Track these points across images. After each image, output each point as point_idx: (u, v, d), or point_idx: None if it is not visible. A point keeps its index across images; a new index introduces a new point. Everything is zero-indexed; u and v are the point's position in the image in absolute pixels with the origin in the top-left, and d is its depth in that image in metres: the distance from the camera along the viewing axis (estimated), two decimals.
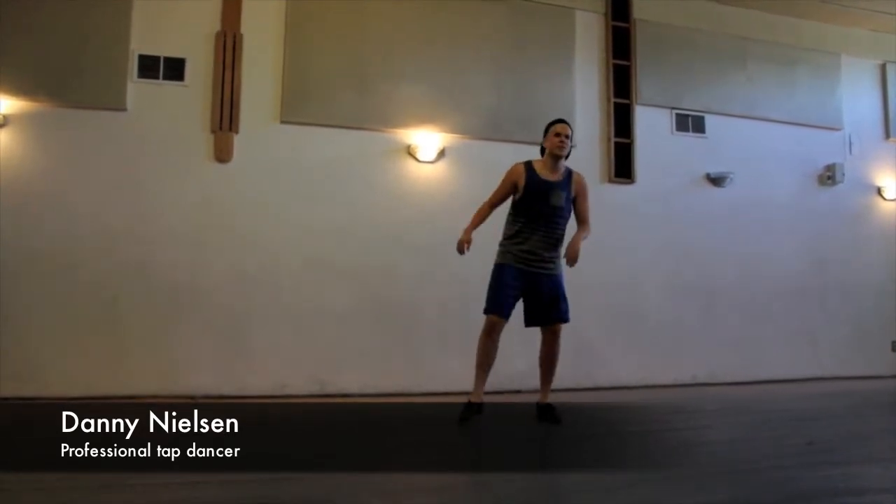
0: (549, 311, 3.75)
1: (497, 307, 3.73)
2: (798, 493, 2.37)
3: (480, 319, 5.35)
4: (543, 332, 3.83)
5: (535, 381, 5.37)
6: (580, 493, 2.50)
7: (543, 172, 3.78)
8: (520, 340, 5.39)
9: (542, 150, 3.88)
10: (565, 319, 3.76)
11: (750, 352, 6.16)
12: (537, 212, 3.71)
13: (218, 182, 5.00)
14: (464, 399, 4.97)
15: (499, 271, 3.79)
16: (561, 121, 3.87)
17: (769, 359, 6.21)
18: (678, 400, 4.95)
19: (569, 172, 3.85)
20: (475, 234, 5.64)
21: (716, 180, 6.24)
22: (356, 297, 5.17)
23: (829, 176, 6.61)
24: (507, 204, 3.87)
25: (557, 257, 3.78)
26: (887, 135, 6.94)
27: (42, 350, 4.53)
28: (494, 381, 5.32)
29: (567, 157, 3.78)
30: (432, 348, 5.28)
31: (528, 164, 3.84)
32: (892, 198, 6.85)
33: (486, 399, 4.94)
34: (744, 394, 5.34)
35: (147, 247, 4.80)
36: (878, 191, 6.85)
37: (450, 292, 5.39)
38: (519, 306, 3.81)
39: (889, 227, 6.84)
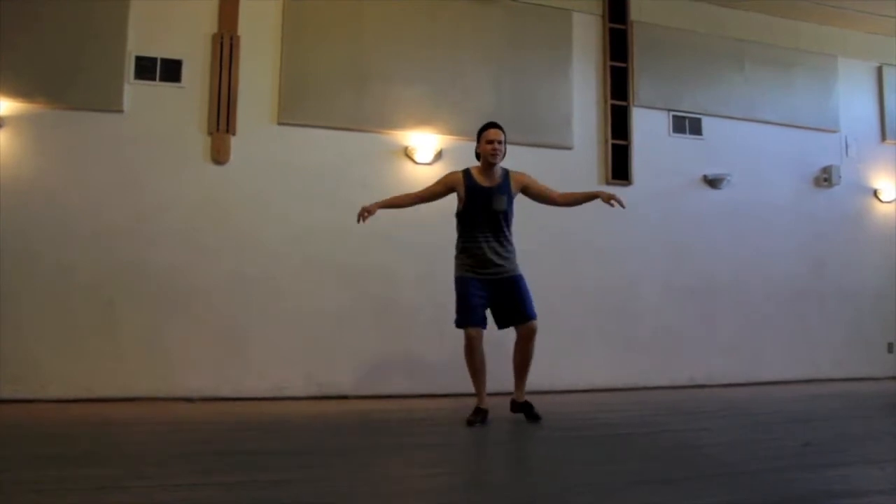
0: (518, 311, 3.83)
1: (468, 319, 3.79)
2: (795, 495, 2.37)
3: None
4: (518, 333, 3.90)
5: (531, 382, 5.39)
6: (577, 495, 2.50)
7: (480, 179, 3.88)
8: (513, 342, 5.41)
9: (478, 156, 3.97)
10: (533, 317, 3.84)
11: (747, 353, 6.18)
12: (483, 218, 3.80)
13: (215, 183, 5.00)
14: (461, 400, 4.99)
15: (461, 283, 3.85)
16: (493, 125, 3.92)
17: (766, 360, 6.23)
18: (675, 402, 4.96)
19: (505, 173, 3.93)
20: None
21: (713, 182, 6.26)
22: (354, 299, 5.17)
23: (825, 178, 6.62)
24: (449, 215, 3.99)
25: (511, 256, 3.87)
26: (884, 137, 6.96)
27: (39, 351, 4.53)
28: (492, 383, 5.32)
29: (501, 159, 3.90)
30: (430, 350, 5.28)
31: (467, 172, 3.92)
32: (889, 200, 6.87)
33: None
34: (741, 395, 5.35)
35: (144, 248, 4.80)
36: (875, 193, 6.87)
37: (448, 294, 5.37)
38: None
39: (885, 229, 6.87)
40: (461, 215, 3.89)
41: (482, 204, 3.81)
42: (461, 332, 5.44)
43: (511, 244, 3.91)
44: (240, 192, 5.04)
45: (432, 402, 4.89)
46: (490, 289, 3.82)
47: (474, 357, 3.83)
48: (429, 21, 5.58)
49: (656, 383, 5.77)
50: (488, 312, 3.92)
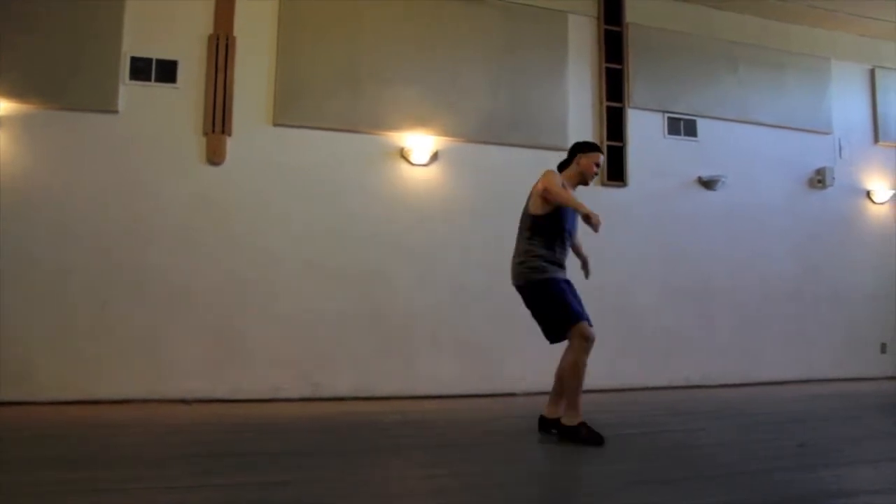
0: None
1: (583, 313, 3.42)
2: (791, 494, 2.38)
3: (475, 319, 5.41)
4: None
5: (526, 384, 5.39)
6: (575, 496, 2.51)
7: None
8: (514, 344, 5.42)
9: (566, 164, 3.69)
10: None
11: (743, 354, 6.19)
12: (564, 227, 3.54)
13: (210, 184, 4.99)
14: (458, 401, 4.99)
15: (555, 284, 3.46)
16: (602, 152, 3.79)
17: (762, 361, 6.25)
18: (672, 402, 4.98)
19: None
20: (471, 235, 5.65)
21: (707, 183, 6.28)
22: (349, 300, 5.16)
23: (819, 179, 6.66)
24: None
25: None
26: (876, 139, 7.00)
27: (35, 353, 4.50)
28: (488, 385, 5.37)
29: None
30: (426, 351, 5.29)
31: (559, 173, 3.62)
32: (882, 201, 6.91)
33: (481, 403, 4.97)
34: (737, 396, 5.37)
35: (140, 249, 4.78)
36: (868, 194, 6.91)
37: (444, 295, 5.40)
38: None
39: (878, 231, 6.91)
40: (551, 217, 3.49)
41: (569, 217, 3.56)
42: (458, 333, 5.44)
43: None
44: (236, 193, 5.03)
45: (429, 404, 4.89)
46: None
47: (586, 362, 3.39)
48: (425, 22, 5.58)
49: (653, 384, 5.78)
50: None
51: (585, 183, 3.69)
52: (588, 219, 3.26)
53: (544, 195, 3.44)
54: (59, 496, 2.27)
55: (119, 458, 2.99)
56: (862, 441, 3.52)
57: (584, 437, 3.27)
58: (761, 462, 2.91)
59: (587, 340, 3.36)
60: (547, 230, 3.50)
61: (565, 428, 3.36)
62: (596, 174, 3.68)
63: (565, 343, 3.46)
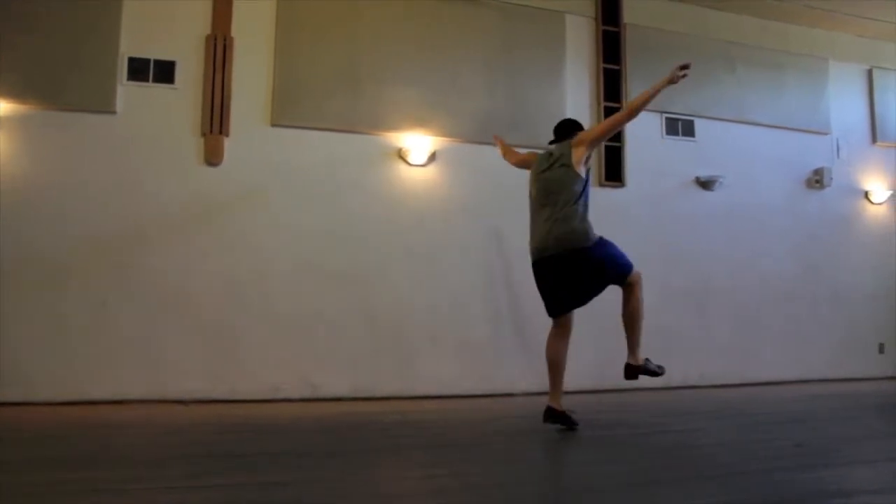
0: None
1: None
2: (788, 495, 2.38)
3: (473, 319, 5.42)
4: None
5: (527, 384, 5.40)
6: (573, 497, 2.50)
7: None
8: (513, 344, 5.43)
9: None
10: None
11: (741, 354, 6.20)
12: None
13: (208, 185, 4.99)
14: (457, 401, 4.99)
15: (603, 238, 3.70)
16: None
17: (760, 361, 6.26)
18: (670, 402, 4.98)
19: None
20: (470, 236, 5.64)
21: (705, 184, 6.29)
22: (347, 300, 5.16)
23: (817, 180, 6.67)
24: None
25: None
26: (874, 139, 7.02)
27: (32, 354, 4.49)
28: (486, 385, 5.37)
29: None
30: (424, 351, 5.29)
31: None
32: (880, 201, 6.93)
33: (480, 403, 4.97)
34: (735, 396, 5.38)
35: (138, 250, 4.78)
36: (866, 194, 6.93)
37: (441, 295, 5.40)
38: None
39: (876, 231, 6.92)
40: (587, 185, 3.71)
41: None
42: (456, 332, 5.45)
43: None
44: (233, 194, 5.03)
45: (428, 404, 4.89)
46: None
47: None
48: (423, 23, 5.59)
49: (651, 384, 5.75)
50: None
51: None
52: (674, 79, 3.64)
53: (600, 136, 3.74)
54: (57, 497, 2.26)
55: (117, 458, 2.98)
56: (860, 441, 3.52)
57: (649, 369, 3.65)
58: (760, 462, 2.91)
59: (641, 284, 3.72)
60: (586, 192, 3.66)
61: (635, 367, 3.66)
62: None
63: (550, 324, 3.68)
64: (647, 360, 3.69)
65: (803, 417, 4.31)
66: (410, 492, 2.53)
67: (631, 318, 3.69)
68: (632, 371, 3.66)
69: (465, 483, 2.59)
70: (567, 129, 3.86)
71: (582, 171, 3.63)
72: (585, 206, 3.61)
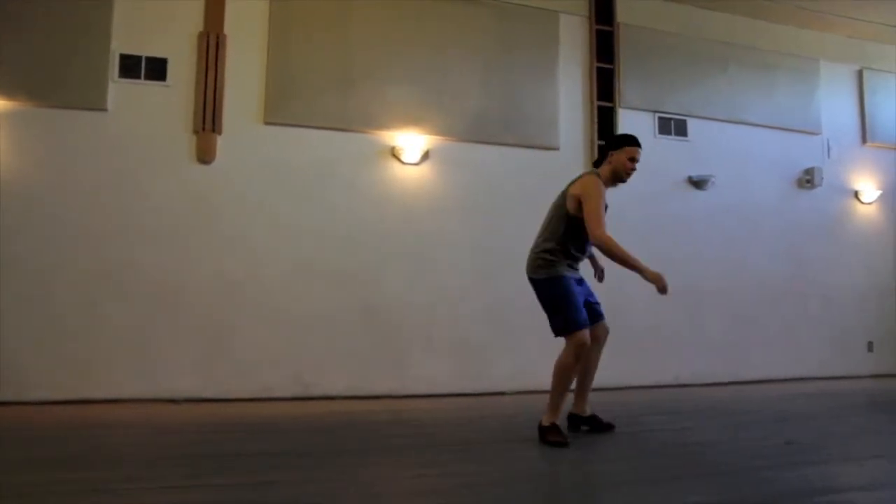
0: (598, 306, 3.62)
1: (584, 320, 3.37)
2: (776, 492, 2.41)
3: (466, 319, 5.42)
4: (595, 331, 3.53)
5: (518, 383, 5.42)
6: (565, 495, 2.52)
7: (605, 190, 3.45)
8: (505, 343, 5.44)
9: (599, 162, 3.59)
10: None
11: (731, 353, 6.24)
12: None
13: (201, 183, 4.97)
14: (449, 400, 5.00)
15: (567, 283, 3.40)
16: (638, 144, 3.54)
17: (750, 360, 6.29)
18: (660, 401, 5.01)
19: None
20: (463, 235, 5.66)
21: (698, 183, 6.32)
22: (340, 299, 5.16)
23: (807, 179, 6.71)
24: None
25: None
26: (864, 139, 7.07)
27: (23, 353, 4.47)
28: (478, 384, 5.38)
29: None
30: (417, 350, 5.29)
31: (599, 177, 3.45)
32: (869, 201, 6.98)
33: (471, 402, 4.99)
34: (725, 395, 5.41)
35: (129, 248, 4.76)
36: (856, 194, 6.97)
37: (435, 294, 5.40)
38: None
39: (866, 230, 6.97)
40: (578, 225, 3.38)
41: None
42: (449, 331, 5.44)
43: None
44: (226, 192, 5.01)
45: (419, 403, 4.89)
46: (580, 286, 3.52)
47: (577, 369, 3.42)
48: (416, 21, 5.58)
49: (642, 383, 5.81)
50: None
51: (622, 180, 3.50)
52: (655, 282, 3.24)
53: (595, 234, 3.29)
54: (57, 497, 2.26)
55: (115, 458, 2.97)
56: (848, 439, 3.56)
57: (548, 440, 3.26)
58: (749, 460, 2.94)
59: (581, 348, 3.31)
60: (575, 230, 3.40)
61: (540, 426, 3.37)
62: (633, 170, 3.46)
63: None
64: (553, 425, 3.32)
65: (793, 415, 4.35)
66: (402, 491, 2.54)
67: (553, 374, 3.40)
68: (539, 429, 3.38)
69: (456, 482, 2.60)
70: (601, 152, 3.65)
71: (576, 210, 3.39)
72: (560, 244, 3.41)
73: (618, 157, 3.49)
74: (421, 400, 5.03)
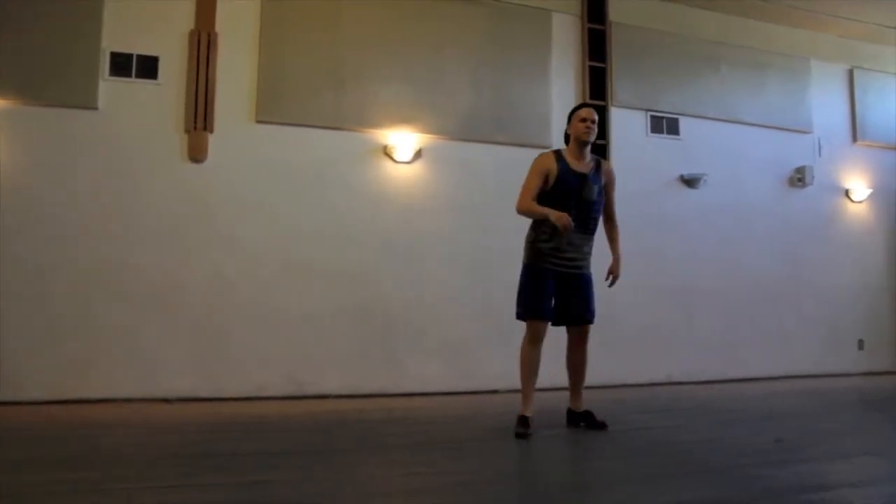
0: (581, 311, 3.58)
1: (538, 311, 3.47)
2: (767, 489, 2.42)
3: (459, 317, 5.43)
4: (571, 334, 3.65)
5: (511, 381, 5.42)
6: (558, 493, 2.53)
7: (574, 163, 3.53)
8: (497, 341, 5.44)
9: (567, 138, 3.66)
10: (592, 320, 3.64)
11: (724, 351, 6.26)
12: (572, 206, 3.45)
13: (192, 182, 4.95)
14: (442, 398, 5.00)
15: (533, 272, 3.51)
16: (586, 105, 3.71)
17: (742, 358, 6.32)
18: (653, 399, 5.03)
19: (598, 162, 3.67)
20: (455, 233, 5.65)
21: (690, 181, 6.34)
22: (333, 298, 5.15)
23: (799, 178, 6.75)
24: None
25: (589, 253, 3.63)
26: (854, 138, 7.11)
27: (18, 353, 4.43)
28: (471, 383, 5.39)
29: (593, 139, 3.60)
30: (410, 348, 5.30)
31: (558, 154, 3.58)
32: (859, 200, 7.02)
33: (465, 400, 4.99)
34: (717, 393, 5.44)
35: (122, 248, 4.74)
36: (847, 193, 7.02)
37: (428, 293, 5.40)
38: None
39: (856, 229, 7.02)
40: (546, 199, 3.45)
41: (574, 190, 3.48)
42: (442, 330, 5.44)
43: (592, 240, 3.63)
44: (218, 191, 5.00)
45: (412, 402, 4.90)
46: (561, 282, 3.51)
47: (533, 355, 3.49)
48: (409, 20, 5.57)
49: (635, 381, 5.83)
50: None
51: (586, 142, 3.56)
52: (558, 221, 3.34)
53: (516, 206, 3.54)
54: (57, 497, 2.25)
55: (102, 458, 2.96)
56: (839, 436, 3.58)
57: (520, 431, 3.39)
58: (740, 457, 2.96)
59: (532, 337, 3.49)
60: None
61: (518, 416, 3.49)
62: (590, 129, 3.55)
63: (563, 330, 3.65)
64: (521, 416, 3.45)
65: (783, 413, 4.37)
66: (395, 490, 2.54)
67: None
68: (523, 425, 3.44)
69: (450, 480, 2.60)
70: (566, 139, 3.76)
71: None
72: (532, 228, 3.58)
73: (573, 127, 3.60)
74: (414, 398, 5.03)
